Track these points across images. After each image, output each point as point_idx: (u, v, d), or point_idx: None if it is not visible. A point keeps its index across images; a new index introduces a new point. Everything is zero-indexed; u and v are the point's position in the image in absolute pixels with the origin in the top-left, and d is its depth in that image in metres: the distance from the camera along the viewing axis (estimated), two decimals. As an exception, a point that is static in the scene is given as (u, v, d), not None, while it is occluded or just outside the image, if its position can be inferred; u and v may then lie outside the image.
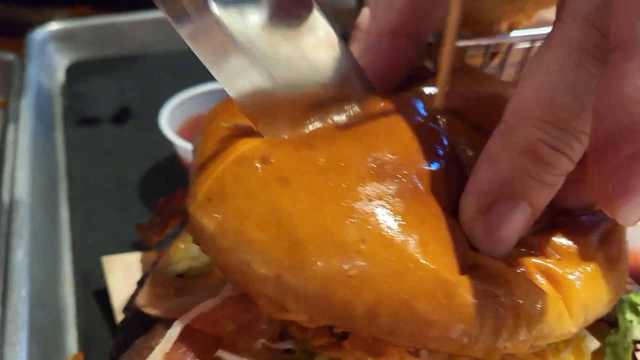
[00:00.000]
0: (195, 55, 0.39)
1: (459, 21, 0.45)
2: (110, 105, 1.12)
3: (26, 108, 0.95)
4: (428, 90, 0.53)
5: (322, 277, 0.37)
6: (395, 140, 0.44)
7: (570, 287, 0.42)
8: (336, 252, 0.37)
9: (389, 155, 0.42)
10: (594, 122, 0.32)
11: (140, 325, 0.52)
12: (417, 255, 0.38)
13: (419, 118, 0.47)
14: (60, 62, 1.23)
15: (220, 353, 0.43)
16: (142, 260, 0.71)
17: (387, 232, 0.38)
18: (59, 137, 1.04)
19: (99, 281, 0.71)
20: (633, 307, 0.51)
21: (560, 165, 0.37)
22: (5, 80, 1.11)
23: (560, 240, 0.44)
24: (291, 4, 0.41)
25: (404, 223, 0.39)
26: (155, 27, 1.22)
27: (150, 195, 0.91)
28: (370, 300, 0.37)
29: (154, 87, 1.12)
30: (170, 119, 0.89)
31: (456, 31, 0.45)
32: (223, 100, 0.51)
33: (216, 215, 0.40)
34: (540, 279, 0.42)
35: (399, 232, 0.38)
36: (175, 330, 0.45)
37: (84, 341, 0.67)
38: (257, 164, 0.41)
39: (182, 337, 0.45)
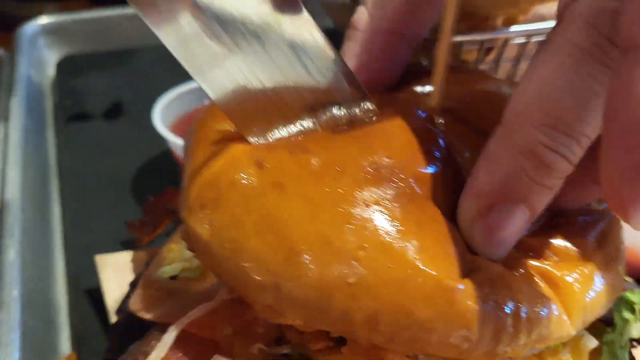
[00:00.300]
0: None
1: (455, 21, 0.44)
2: (102, 101, 1.11)
3: (16, 105, 0.94)
4: (423, 89, 0.53)
5: (320, 284, 0.37)
6: (391, 143, 0.43)
7: (569, 289, 0.42)
8: (334, 259, 0.37)
9: (385, 159, 0.41)
10: (605, 125, 0.32)
11: (134, 327, 0.51)
12: (416, 261, 0.37)
13: (414, 119, 0.46)
14: (51, 57, 1.22)
15: (216, 358, 0.43)
16: (135, 259, 0.70)
17: (385, 237, 0.37)
18: (50, 134, 1.03)
19: (91, 280, 0.71)
20: (629, 305, 0.51)
21: (560, 167, 0.37)
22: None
23: (557, 242, 0.44)
24: (279, 5, 0.40)
25: (402, 228, 0.38)
26: (147, 21, 1.21)
27: (143, 192, 0.90)
28: (370, 307, 0.36)
29: (146, 82, 1.11)
30: (163, 115, 0.88)
31: (451, 32, 0.44)
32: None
33: (211, 223, 0.40)
34: (538, 282, 0.41)
35: (397, 237, 0.38)
36: (170, 335, 0.44)
37: (77, 341, 0.67)
38: (251, 169, 0.40)
39: (178, 342, 0.44)
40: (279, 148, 0.41)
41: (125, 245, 0.76)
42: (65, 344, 0.67)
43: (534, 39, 0.76)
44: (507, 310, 0.38)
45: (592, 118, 0.36)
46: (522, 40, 0.76)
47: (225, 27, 0.39)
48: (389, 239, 0.37)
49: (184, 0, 0.37)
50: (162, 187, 0.81)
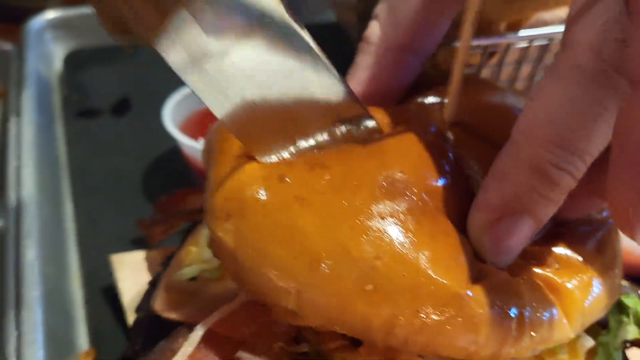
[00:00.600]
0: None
1: (470, 43, 0.46)
2: (109, 96, 1.11)
3: (27, 101, 0.95)
4: (431, 100, 0.55)
5: (340, 291, 0.39)
6: (404, 158, 0.45)
7: (569, 295, 0.44)
8: (353, 268, 0.39)
9: (399, 173, 0.44)
10: (614, 151, 0.34)
11: (155, 325, 0.54)
12: (428, 270, 0.40)
13: (425, 134, 0.48)
14: (58, 52, 1.22)
15: (240, 354, 0.46)
16: (149, 258, 0.73)
17: (399, 248, 0.40)
18: (59, 130, 1.03)
19: (106, 278, 0.73)
20: (623, 308, 0.54)
21: (565, 183, 0.40)
22: (1, 69, 1.11)
23: (559, 250, 0.46)
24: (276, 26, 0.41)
25: (415, 240, 0.41)
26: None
27: (153, 190, 0.92)
28: (386, 313, 0.39)
29: (153, 78, 1.10)
30: (172, 114, 0.89)
31: (467, 53, 0.46)
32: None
33: (236, 232, 0.42)
34: (541, 288, 0.44)
35: (410, 248, 0.40)
36: (197, 334, 0.47)
37: (94, 337, 0.69)
38: (274, 183, 0.42)
39: (203, 340, 0.47)
40: (299, 164, 0.44)
41: (137, 244, 0.78)
42: (83, 341, 0.69)
43: (536, 43, 0.78)
44: (512, 315, 0.41)
45: (596, 138, 0.39)
46: (524, 44, 0.78)
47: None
48: (403, 250, 0.40)
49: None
50: (172, 185, 0.83)
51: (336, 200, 0.41)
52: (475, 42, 0.75)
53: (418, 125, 0.49)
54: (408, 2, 0.51)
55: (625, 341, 0.54)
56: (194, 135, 0.87)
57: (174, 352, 0.47)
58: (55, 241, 0.77)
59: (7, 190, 0.76)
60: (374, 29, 0.53)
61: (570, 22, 0.39)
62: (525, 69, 0.82)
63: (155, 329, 0.53)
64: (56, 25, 1.22)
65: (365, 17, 0.57)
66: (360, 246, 0.40)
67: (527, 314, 0.41)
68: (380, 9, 0.53)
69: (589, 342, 0.52)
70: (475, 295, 0.40)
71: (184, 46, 0.38)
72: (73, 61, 1.20)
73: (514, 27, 0.77)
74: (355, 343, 0.45)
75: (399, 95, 0.55)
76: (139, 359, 0.51)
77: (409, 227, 0.41)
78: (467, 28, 0.46)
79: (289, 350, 0.47)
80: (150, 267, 0.71)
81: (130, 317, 0.65)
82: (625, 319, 0.53)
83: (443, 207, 0.44)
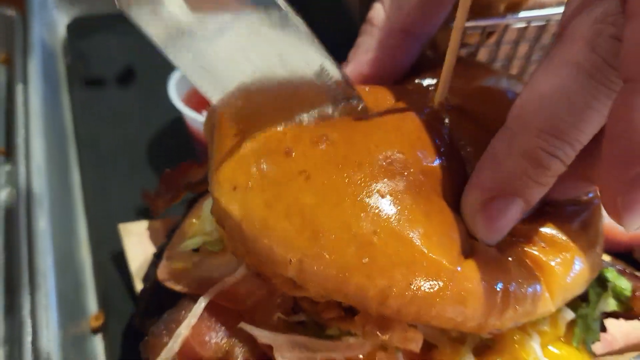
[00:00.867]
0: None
1: (463, 29, 0.48)
2: (114, 65, 1.10)
3: (33, 69, 0.94)
4: (429, 82, 0.57)
5: (339, 263, 0.42)
6: (402, 138, 0.48)
7: (552, 272, 0.47)
8: (352, 242, 0.42)
9: (398, 154, 0.46)
10: (606, 144, 0.37)
11: (161, 295, 0.57)
12: (422, 247, 0.43)
13: (422, 115, 0.51)
14: (61, 19, 1.21)
15: (242, 325, 0.48)
16: (155, 228, 0.75)
17: (396, 225, 0.43)
18: (65, 99, 1.04)
19: (115, 246, 0.75)
20: (603, 282, 0.57)
21: (555, 168, 0.43)
22: (5, 35, 1.10)
23: (545, 229, 0.49)
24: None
25: (411, 217, 0.44)
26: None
27: (158, 160, 0.94)
28: (381, 285, 0.42)
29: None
30: (178, 86, 0.90)
31: (460, 40, 0.48)
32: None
33: (242, 204, 0.45)
34: (527, 265, 0.47)
35: (406, 225, 0.43)
36: (200, 306, 0.50)
37: (104, 302, 0.72)
38: (280, 157, 0.45)
39: (206, 312, 0.50)
40: (304, 139, 0.46)
41: (143, 213, 0.80)
42: (93, 305, 0.72)
43: (534, 24, 0.79)
44: (498, 289, 0.44)
45: (586, 127, 0.41)
46: (522, 25, 0.79)
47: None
48: (399, 227, 0.43)
49: None
50: (177, 156, 0.85)
51: (338, 177, 0.44)
52: (475, 23, 0.76)
53: (417, 107, 0.51)
54: None
55: (604, 313, 0.57)
56: (198, 108, 0.89)
57: (178, 323, 0.49)
58: (65, 210, 0.79)
59: (17, 160, 0.77)
60: (378, 12, 0.55)
61: (567, 17, 0.41)
62: (523, 49, 0.84)
63: (161, 299, 0.56)
64: (59, -8, 1.21)
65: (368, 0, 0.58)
66: (359, 222, 0.42)
67: (512, 289, 0.44)
68: (384, -8, 0.54)
69: (570, 315, 0.55)
70: (465, 270, 0.43)
71: (163, 20, 0.39)
72: (76, 29, 1.19)
73: (513, 8, 0.78)
74: (350, 313, 0.48)
75: (399, 77, 0.57)
76: (145, 328, 0.53)
77: (406, 205, 0.44)
78: (462, 14, 0.47)
79: (287, 320, 0.49)
80: (157, 237, 0.74)
81: (138, 284, 0.68)
82: (604, 292, 0.56)
83: (438, 187, 0.47)
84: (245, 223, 0.45)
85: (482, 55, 0.83)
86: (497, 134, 0.44)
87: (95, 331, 0.69)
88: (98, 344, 0.69)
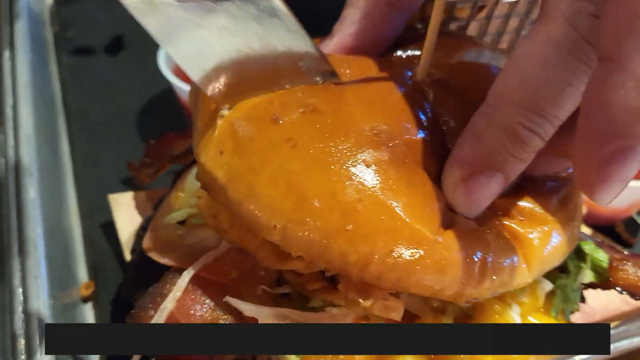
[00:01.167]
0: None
1: (445, 2, 0.48)
2: (103, 34, 1.10)
3: (20, 37, 0.92)
4: (414, 54, 0.57)
5: (323, 229, 0.43)
6: (388, 110, 0.48)
7: (530, 244, 0.48)
8: (337, 208, 0.43)
9: (383, 125, 0.47)
10: (580, 122, 0.38)
11: (148, 266, 0.57)
12: (405, 216, 0.44)
13: (407, 88, 0.51)
14: (47, -15, 1.19)
15: (227, 299, 0.49)
16: (143, 199, 0.76)
17: (380, 194, 0.44)
18: (53, 67, 1.03)
19: (104, 215, 0.76)
20: (581, 254, 0.58)
21: (534, 144, 0.43)
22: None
23: (524, 203, 0.50)
24: None
25: (395, 187, 0.44)
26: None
27: (148, 130, 0.94)
28: (363, 251, 0.43)
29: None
30: (168, 57, 0.90)
31: (441, 14, 0.48)
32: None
33: (228, 168, 0.45)
34: (505, 237, 0.48)
35: (390, 195, 0.44)
36: (184, 279, 0.50)
37: (94, 271, 0.73)
38: (267, 124, 0.45)
39: (191, 285, 0.50)
40: (292, 107, 0.46)
41: (133, 183, 0.80)
42: (83, 274, 0.73)
43: (525, -2, 0.79)
44: (476, 259, 0.45)
45: (565, 104, 0.42)
46: (513, -1, 0.79)
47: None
48: (383, 196, 0.44)
49: None
50: (167, 126, 0.85)
51: (325, 146, 0.45)
52: (466, -4, 0.76)
53: (400, 78, 0.52)
54: None
55: (583, 284, 0.59)
56: (188, 79, 0.88)
57: (164, 296, 0.50)
58: (54, 179, 0.79)
59: (5, 129, 0.77)
60: (364, -16, 0.54)
61: None
62: (513, 23, 0.84)
63: (148, 270, 0.56)
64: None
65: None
66: (345, 190, 0.43)
67: (490, 259, 0.46)
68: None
69: (548, 286, 0.57)
70: (445, 240, 0.44)
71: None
72: (62, -5, 1.18)
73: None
74: (333, 285, 0.49)
75: (384, 49, 0.57)
76: (132, 299, 0.54)
77: (390, 175, 0.45)
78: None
79: (271, 292, 0.50)
80: (145, 208, 0.74)
81: (128, 254, 0.69)
82: (583, 264, 0.58)
83: (420, 159, 0.48)
84: (231, 188, 0.45)
85: (473, 29, 0.83)
86: (478, 110, 0.45)
87: (85, 300, 0.70)
88: (88, 312, 0.70)
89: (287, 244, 0.44)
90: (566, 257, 0.53)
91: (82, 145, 0.90)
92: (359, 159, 0.44)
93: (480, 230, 0.47)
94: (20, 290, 0.59)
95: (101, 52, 1.08)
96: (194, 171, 0.62)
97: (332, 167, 0.44)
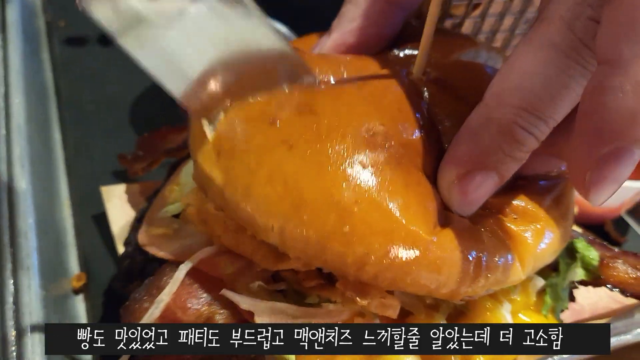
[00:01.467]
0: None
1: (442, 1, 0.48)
2: (95, 24, 1.09)
3: (12, 25, 0.92)
4: (410, 52, 0.57)
5: (320, 230, 0.43)
6: (384, 110, 0.49)
7: (523, 242, 0.49)
8: (334, 210, 0.43)
9: (380, 126, 0.47)
10: (578, 123, 0.39)
11: (141, 259, 0.57)
12: (401, 217, 0.44)
13: (403, 87, 0.51)
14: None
15: (224, 292, 0.49)
16: (136, 191, 0.76)
17: (377, 195, 0.44)
18: (46, 57, 1.02)
19: (96, 207, 0.75)
20: (572, 252, 0.59)
21: (529, 144, 0.44)
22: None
23: (517, 202, 0.51)
24: None
25: (391, 188, 0.45)
26: None
27: (142, 119, 0.93)
28: (360, 252, 0.43)
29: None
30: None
31: (438, 12, 0.48)
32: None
33: (225, 170, 0.45)
34: (498, 235, 0.49)
35: (387, 196, 0.44)
36: (181, 273, 0.50)
37: (85, 263, 0.72)
38: (264, 126, 0.45)
39: (188, 278, 0.50)
40: (289, 107, 0.46)
41: (125, 175, 0.79)
42: (74, 266, 0.72)
43: (520, -4, 0.79)
44: (470, 258, 0.46)
45: (561, 106, 0.42)
46: (508, -3, 0.79)
47: None
48: (379, 197, 0.44)
49: None
50: (160, 117, 0.85)
51: (322, 147, 0.45)
52: (461, -6, 0.76)
53: (397, 77, 0.52)
54: None
55: (573, 282, 0.59)
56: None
57: (159, 289, 0.50)
58: (46, 170, 0.79)
59: None
60: (362, -19, 0.54)
61: None
62: (507, 22, 0.84)
63: (141, 264, 0.57)
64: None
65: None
66: (341, 191, 0.44)
67: (484, 258, 0.46)
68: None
69: (540, 283, 0.57)
70: (440, 240, 0.45)
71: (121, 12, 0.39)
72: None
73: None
74: (330, 282, 0.49)
75: (382, 47, 0.57)
76: (125, 292, 0.54)
77: (386, 176, 0.45)
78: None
79: (267, 288, 0.50)
80: (138, 200, 0.74)
81: (120, 246, 0.69)
82: (573, 262, 0.58)
83: (416, 159, 0.48)
84: (228, 189, 0.45)
85: (467, 27, 0.83)
86: (474, 110, 0.45)
87: (77, 292, 0.70)
88: (80, 304, 0.69)
89: (285, 245, 0.45)
90: (558, 255, 0.54)
91: (74, 136, 0.89)
92: (355, 160, 0.45)
93: (474, 229, 0.48)
94: (12, 281, 0.58)
95: (94, 42, 1.07)
96: (189, 164, 0.62)
97: (329, 168, 0.44)
